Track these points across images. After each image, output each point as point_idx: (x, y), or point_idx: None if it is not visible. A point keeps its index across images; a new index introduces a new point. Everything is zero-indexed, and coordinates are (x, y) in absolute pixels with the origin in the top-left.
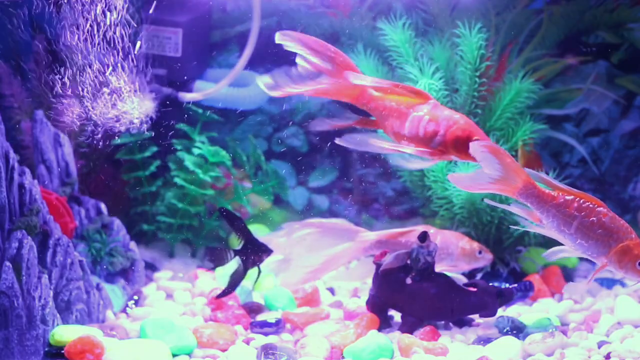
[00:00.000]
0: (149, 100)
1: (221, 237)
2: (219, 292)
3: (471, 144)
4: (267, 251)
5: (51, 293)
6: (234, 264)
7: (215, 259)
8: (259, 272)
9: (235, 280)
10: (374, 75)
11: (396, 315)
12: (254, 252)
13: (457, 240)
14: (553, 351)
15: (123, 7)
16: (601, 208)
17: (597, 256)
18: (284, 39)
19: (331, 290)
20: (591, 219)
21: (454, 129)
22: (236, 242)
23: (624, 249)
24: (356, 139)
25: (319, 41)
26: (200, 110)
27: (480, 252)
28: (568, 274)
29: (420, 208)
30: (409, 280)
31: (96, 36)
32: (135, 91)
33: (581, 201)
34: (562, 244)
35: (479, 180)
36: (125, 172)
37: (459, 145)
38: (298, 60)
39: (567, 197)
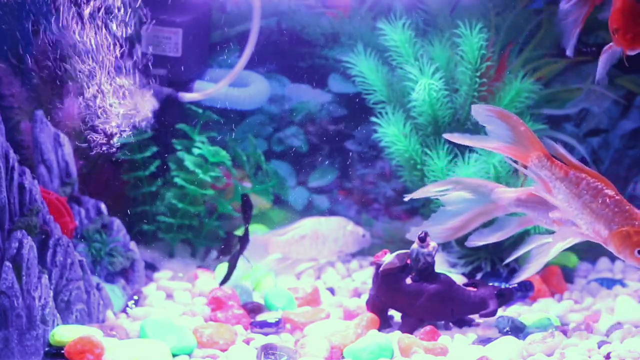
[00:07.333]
0: (149, 100)
1: (221, 237)
2: (218, 292)
3: (474, 107)
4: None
5: (51, 293)
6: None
7: (226, 248)
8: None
9: (231, 263)
10: (374, 75)
11: (396, 315)
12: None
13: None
14: (553, 351)
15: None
16: (609, 190)
17: (597, 236)
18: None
19: (331, 290)
20: (597, 199)
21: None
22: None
23: (623, 234)
24: None
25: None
26: (200, 110)
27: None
28: (568, 274)
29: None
30: (409, 280)
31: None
32: (135, 90)
33: (590, 180)
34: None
35: (488, 143)
36: (125, 172)
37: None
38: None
39: (578, 174)
